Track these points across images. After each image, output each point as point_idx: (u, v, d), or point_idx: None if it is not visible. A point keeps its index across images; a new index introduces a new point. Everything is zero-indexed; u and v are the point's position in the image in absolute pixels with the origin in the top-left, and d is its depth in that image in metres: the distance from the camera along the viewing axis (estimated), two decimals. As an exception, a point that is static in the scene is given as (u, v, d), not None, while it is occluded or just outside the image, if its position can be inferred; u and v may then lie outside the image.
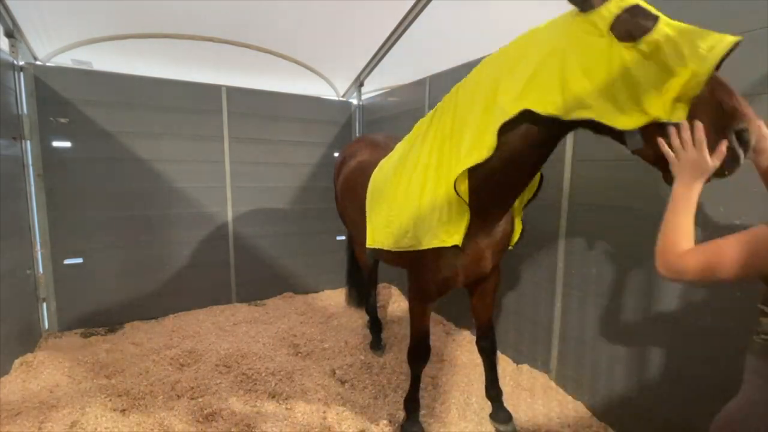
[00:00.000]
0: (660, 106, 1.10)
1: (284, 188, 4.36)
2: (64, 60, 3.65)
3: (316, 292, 4.62)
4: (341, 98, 4.90)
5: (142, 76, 3.61)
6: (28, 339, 3.07)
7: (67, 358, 2.88)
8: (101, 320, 3.56)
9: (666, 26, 1.11)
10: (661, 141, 1.12)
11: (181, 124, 3.76)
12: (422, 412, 2.29)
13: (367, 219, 2.18)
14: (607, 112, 1.20)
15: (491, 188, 1.63)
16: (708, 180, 1.09)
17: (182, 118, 3.76)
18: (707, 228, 1.76)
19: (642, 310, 2.10)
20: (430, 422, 2.30)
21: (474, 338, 3.31)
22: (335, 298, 4.39)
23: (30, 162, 3.18)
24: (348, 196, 2.66)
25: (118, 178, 3.53)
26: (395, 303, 4.17)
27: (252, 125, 4.09)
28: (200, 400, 2.41)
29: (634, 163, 1.46)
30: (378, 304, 3.43)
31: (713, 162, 1.05)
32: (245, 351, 2.99)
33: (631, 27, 1.14)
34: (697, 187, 1.09)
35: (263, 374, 2.68)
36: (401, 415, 2.32)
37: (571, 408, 2.42)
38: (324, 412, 2.34)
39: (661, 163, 1.16)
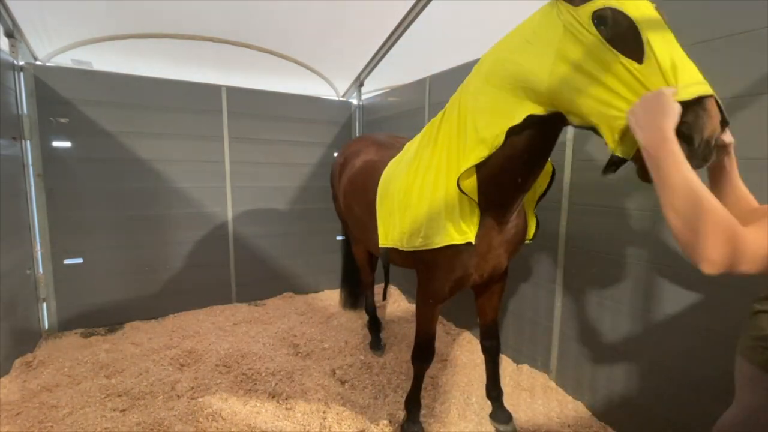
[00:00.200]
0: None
1: (284, 188, 4.36)
2: (64, 60, 3.66)
3: (316, 292, 4.62)
4: (341, 98, 4.90)
5: (142, 76, 3.61)
6: (28, 339, 3.07)
7: (67, 358, 2.88)
8: (101, 320, 3.56)
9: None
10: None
11: (181, 124, 3.76)
12: (422, 412, 2.29)
13: (379, 218, 2.15)
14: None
15: (498, 184, 1.62)
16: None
17: (182, 118, 3.75)
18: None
19: (642, 310, 2.10)
20: (430, 422, 2.30)
21: (474, 338, 3.33)
22: (335, 298, 4.38)
23: (30, 162, 3.17)
24: (354, 196, 2.61)
25: (118, 178, 3.53)
26: (395, 303, 4.17)
27: (252, 125, 4.09)
28: (200, 400, 2.41)
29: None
30: (378, 304, 3.43)
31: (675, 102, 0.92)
32: (245, 351, 2.99)
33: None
34: (670, 133, 0.91)
35: (263, 374, 2.68)
36: (401, 415, 2.32)
37: (571, 408, 2.43)
38: (324, 412, 2.34)
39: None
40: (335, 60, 4.27)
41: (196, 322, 3.65)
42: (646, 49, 1.03)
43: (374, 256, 3.17)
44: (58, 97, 3.25)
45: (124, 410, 2.32)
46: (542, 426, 2.29)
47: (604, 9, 1.10)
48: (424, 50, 3.91)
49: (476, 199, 1.64)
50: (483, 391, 2.39)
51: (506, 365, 2.91)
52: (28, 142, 3.17)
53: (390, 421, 2.28)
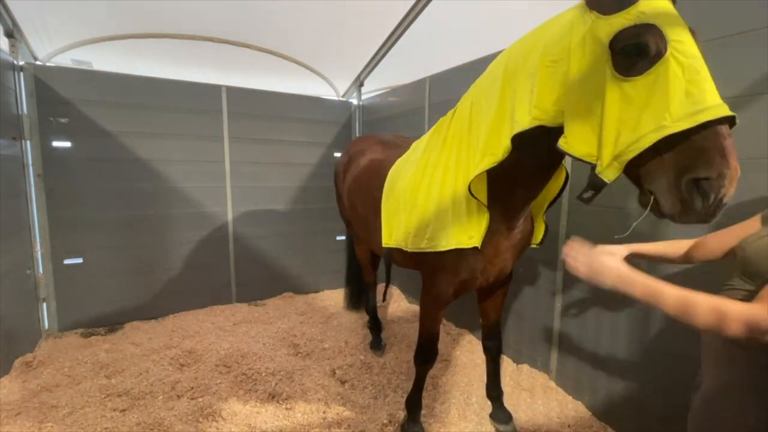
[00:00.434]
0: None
1: (284, 188, 4.36)
2: (64, 60, 3.65)
3: (316, 292, 4.62)
4: (341, 98, 4.90)
5: (142, 76, 3.61)
6: (28, 339, 3.07)
7: (67, 358, 2.88)
8: (101, 320, 3.56)
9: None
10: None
11: (181, 124, 3.76)
12: (422, 412, 2.29)
13: (383, 218, 2.14)
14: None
15: (508, 190, 1.61)
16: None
17: (182, 118, 3.75)
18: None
19: (642, 310, 2.10)
20: (430, 422, 2.30)
21: (474, 338, 3.33)
22: (335, 298, 4.39)
23: (30, 162, 3.18)
24: (359, 195, 2.60)
25: (117, 178, 3.53)
26: (395, 303, 4.17)
27: (252, 125, 4.09)
28: (200, 400, 2.41)
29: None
30: (378, 305, 3.43)
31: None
32: (245, 351, 2.99)
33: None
34: (612, 267, 1.09)
35: (263, 374, 2.68)
36: (401, 415, 2.32)
37: (571, 408, 2.43)
38: (324, 412, 2.34)
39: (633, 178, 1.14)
40: (335, 60, 4.27)
41: (196, 322, 3.65)
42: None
43: (377, 256, 3.17)
44: (58, 97, 3.25)
45: (124, 410, 2.32)
46: (542, 426, 2.29)
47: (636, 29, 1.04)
48: (424, 50, 3.91)
49: (486, 203, 1.61)
50: (483, 391, 2.39)
51: (506, 365, 2.91)
52: (28, 142, 3.17)
53: (390, 421, 2.28)
